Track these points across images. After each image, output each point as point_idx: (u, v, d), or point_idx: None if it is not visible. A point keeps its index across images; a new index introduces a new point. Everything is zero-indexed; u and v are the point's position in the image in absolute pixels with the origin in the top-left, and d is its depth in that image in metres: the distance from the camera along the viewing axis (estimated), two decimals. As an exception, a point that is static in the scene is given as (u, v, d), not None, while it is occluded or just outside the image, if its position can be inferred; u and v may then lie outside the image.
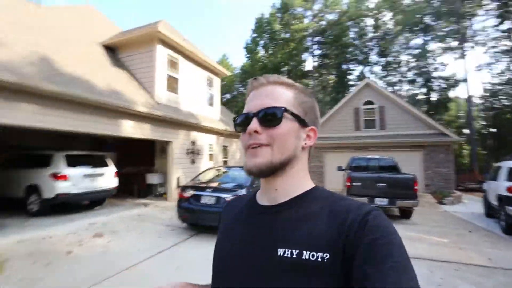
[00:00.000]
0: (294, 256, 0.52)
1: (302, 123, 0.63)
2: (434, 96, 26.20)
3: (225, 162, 12.72)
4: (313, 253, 0.51)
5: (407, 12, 24.51)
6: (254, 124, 0.60)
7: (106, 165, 7.81)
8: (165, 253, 4.55)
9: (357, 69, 29.90)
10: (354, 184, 7.30)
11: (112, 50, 9.60)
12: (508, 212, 5.82)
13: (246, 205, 0.70)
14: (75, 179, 6.79)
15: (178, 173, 9.45)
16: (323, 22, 29.46)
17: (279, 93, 0.63)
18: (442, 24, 23.36)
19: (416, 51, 25.81)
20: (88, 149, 8.96)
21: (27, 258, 4.10)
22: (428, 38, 24.93)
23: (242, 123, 0.64)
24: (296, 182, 0.63)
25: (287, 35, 29.63)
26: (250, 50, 31.79)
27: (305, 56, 30.75)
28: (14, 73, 4.84)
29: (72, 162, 6.91)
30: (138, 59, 9.10)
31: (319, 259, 0.50)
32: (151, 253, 4.44)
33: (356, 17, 27.41)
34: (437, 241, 5.37)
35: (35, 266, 3.83)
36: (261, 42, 31.33)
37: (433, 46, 25.10)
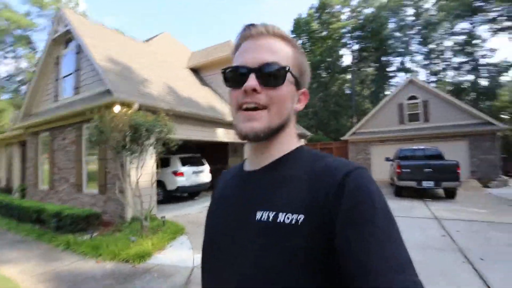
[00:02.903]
0: (270, 219, 0.51)
1: (297, 85, 0.60)
2: (483, 83, 25.65)
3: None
4: (288, 215, 0.49)
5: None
6: (253, 81, 0.54)
7: (203, 164, 10.16)
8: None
9: (397, 60, 30.07)
10: (403, 170, 8.72)
11: (195, 71, 12.02)
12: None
13: (234, 175, 0.69)
14: (187, 175, 9.19)
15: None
16: (362, 17, 29.98)
17: (280, 49, 0.57)
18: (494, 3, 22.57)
19: (462, 37, 25.39)
20: (175, 152, 11.31)
21: (190, 224, 6.39)
22: (477, 21, 24.29)
23: (235, 77, 0.57)
24: (282, 145, 0.61)
25: (325, 33, 30.62)
26: (289, 50, 33.17)
27: (343, 51, 31.59)
28: (164, 101, 7.24)
29: (183, 162, 9.32)
30: (218, 78, 11.40)
31: (293, 221, 0.48)
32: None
33: (396, 8, 27.63)
34: (476, 211, 6.79)
35: (200, 229, 6.08)
36: (300, 41, 32.63)
37: (482, 29, 24.45)
